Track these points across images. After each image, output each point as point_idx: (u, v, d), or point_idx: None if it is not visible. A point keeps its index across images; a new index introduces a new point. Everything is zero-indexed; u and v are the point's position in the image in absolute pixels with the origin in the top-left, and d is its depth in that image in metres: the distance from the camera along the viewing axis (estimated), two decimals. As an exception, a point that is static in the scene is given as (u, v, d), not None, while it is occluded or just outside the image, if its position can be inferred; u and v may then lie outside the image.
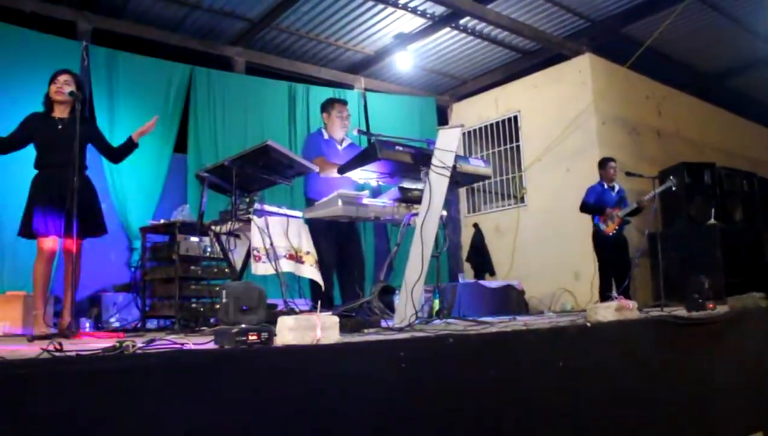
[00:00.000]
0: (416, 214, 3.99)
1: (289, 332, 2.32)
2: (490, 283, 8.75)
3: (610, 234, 7.31)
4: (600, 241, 7.43)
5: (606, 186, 7.53)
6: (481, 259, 9.73)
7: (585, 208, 7.51)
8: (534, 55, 9.89)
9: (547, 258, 8.88)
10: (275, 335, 2.33)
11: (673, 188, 6.88)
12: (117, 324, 5.92)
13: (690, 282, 4.78)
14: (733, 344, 4.35)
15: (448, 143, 3.95)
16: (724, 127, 11.34)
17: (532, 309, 8.70)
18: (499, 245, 9.81)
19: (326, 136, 5.23)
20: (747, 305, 4.90)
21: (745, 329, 4.54)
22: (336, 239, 4.89)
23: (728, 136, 11.24)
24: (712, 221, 8.33)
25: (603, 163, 7.60)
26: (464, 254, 10.14)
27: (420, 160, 3.95)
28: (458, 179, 4.20)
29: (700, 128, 10.66)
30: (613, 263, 7.36)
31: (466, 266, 9.98)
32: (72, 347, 2.29)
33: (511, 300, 8.57)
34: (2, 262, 6.27)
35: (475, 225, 10.01)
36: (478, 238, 9.89)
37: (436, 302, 7.88)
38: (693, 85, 11.04)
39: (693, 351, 3.98)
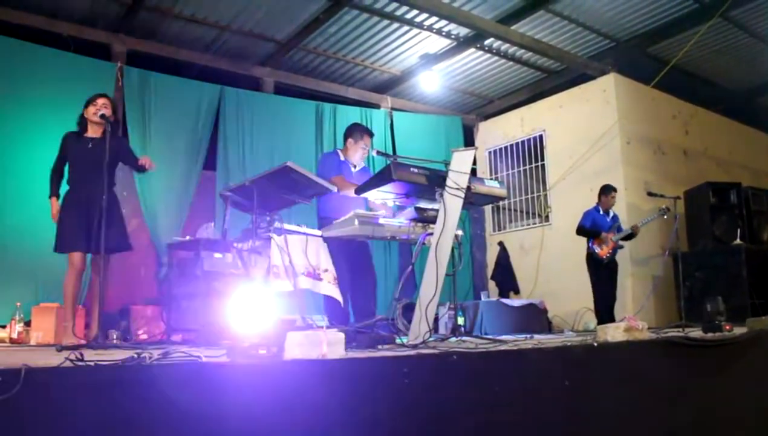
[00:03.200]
0: (431, 234, 4.10)
1: (296, 346, 2.44)
2: (512, 301, 8.77)
3: (604, 258, 7.44)
4: (594, 264, 7.58)
5: (601, 211, 7.68)
6: (505, 277, 9.75)
7: (581, 231, 7.70)
8: (559, 75, 9.95)
9: (571, 277, 8.86)
10: (284, 349, 2.45)
11: (665, 217, 7.10)
12: (144, 336, 6.09)
13: (707, 303, 4.79)
14: (748, 366, 4.35)
15: (462, 165, 4.06)
16: (753, 146, 11.23)
17: (555, 328, 8.70)
18: (523, 263, 9.83)
19: (342, 158, 5.35)
20: (766, 327, 4.89)
21: (762, 352, 4.52)
22: (348, 257, 4.99)
23: (757, 155, 11.14)
24: (738, 241, 8.26)
25: (606, 191, 7.77)
26: (489, 272, 10.18)
27: (435, 181, 4.06)
28: (472, 200, 4.30)
29: (728, 147, 10.59)
30: (606, 286, 7.55)
31: (491, 284, 10.02)
32: (95, 357, 2.43)
33: (534, 319, 8.58)
34: (36, 275, 6.51)
35: (500, 243, 10.05)
36: (503, 256, 9.92)
37: (461, 319, 7.96)
38: (721, 103, 10.98)
39: (705, 373, 3.99)
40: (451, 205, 3.98)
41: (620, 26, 8.73)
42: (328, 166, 5.27)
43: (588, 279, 7.92)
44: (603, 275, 7.61)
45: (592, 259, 7.64)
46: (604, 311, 7.42)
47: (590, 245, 7.64)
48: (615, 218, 7.77)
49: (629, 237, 7.60)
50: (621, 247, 7.64)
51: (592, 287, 7.69)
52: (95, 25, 7.75)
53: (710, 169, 9.85)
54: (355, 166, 5.36)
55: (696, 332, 4.49)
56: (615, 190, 7.75)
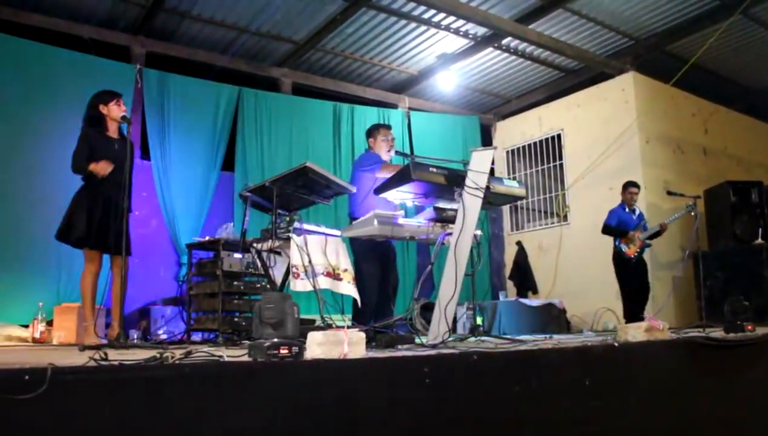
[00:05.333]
0: (450, 234, 4.10)
1: (317, 346, 2.45)
2: (531, 301, 8.74)
3: (632, 256, 7.35)
4: (621, 263, 7.48)
5: (627, 209, 7.59)
6: (523, 277, 9.72)
7: (607, 230, 7.58)
8: (577, 74, 9.91)
9: (590, 277, 8.82)
10: (305, 349, 2.46)
11: (692, 213, 6.98)
12: (164, 336, 6.14)
13: (728, 303, 4.73)
14: (770, 366, 4.30)
15: (481, 165, 4.06)
16: (774, 145, 11.11)
17: (574, 328, 8.65)
18: (541, 263, 9.79)
19: None
20: (788, 327, 4.83)
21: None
22: (379, 258, 5.01)
23: (778, 154, 11.01)
24: (759, 240, 8.17)
25: (624, 187, 7.68)
26: (507, 271, 10.15)
27: (454, 181, 4.06)
28: (491, 200, 4.29)
29: (748, 145, 10.47)
30: (634, 285, 7.45)
31: (509, 283, 9.99)
32: (118, 356, 2.46)
33: (553, 319, 8.54)
34: (58, 275, 6.59)
35: (518, 243, 10.01)
36: (522, 256, 9.88)
37: (479, 319, 7.94)
38: (741, 101, 10.87)
39: (727, 373, 3.95)
40: (470, 205, 3.98)
41: (639, 24, 8.69)
42: (369, 160, 5.34)
43: (607, 279, 7.87)
44: (630, 274, 7.49)
45: (619, 258, 7.52)
46: (634, 311, 7.31)
47: (617, 243, 7.53)
48: (641, 215, 7.65)
49: (656, 235, 7.48)
50: (649, 245, 7.54)
51: (620, 287, 7.58)
52: (115, 27, 7.83)
53: (730, 167, 9.76)
54: None
55: (717, 333, 4.45)
56: (634, 185, 7.63)
